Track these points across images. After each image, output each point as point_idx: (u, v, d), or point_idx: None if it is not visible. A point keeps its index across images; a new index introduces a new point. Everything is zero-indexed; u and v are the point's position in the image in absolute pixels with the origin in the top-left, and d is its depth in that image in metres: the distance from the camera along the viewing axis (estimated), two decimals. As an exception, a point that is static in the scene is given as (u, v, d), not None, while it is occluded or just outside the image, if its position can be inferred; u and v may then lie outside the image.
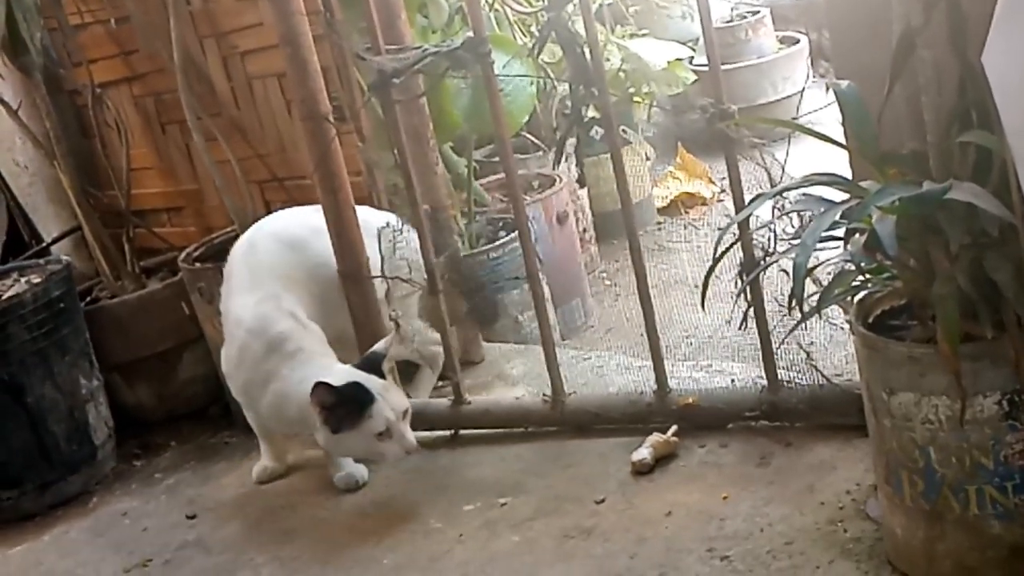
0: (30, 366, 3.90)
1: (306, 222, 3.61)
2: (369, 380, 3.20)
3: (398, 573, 2.99)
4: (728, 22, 6.27)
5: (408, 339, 3.57)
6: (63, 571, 3.50)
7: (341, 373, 3.25)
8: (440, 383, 3.72)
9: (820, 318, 2.63)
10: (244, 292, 3.47)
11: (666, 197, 5.40)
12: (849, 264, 2.40)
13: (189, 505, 3.69)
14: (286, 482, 3.64)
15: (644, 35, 5.37)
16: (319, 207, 3.57)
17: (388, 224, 3.48)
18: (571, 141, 3.92)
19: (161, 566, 3.36)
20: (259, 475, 3.64)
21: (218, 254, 4.22)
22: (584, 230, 4.87)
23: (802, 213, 2.66)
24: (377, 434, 3.15)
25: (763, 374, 3.16)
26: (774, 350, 3.11)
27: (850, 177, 2.50)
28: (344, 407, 3.14)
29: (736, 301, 2.91)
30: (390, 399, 3.19)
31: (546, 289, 3.64)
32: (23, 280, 4.12)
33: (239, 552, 3.31)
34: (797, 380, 3.12)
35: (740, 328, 2.98)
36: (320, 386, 3.11)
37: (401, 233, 3.44)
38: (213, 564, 3.30)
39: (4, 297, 3.97)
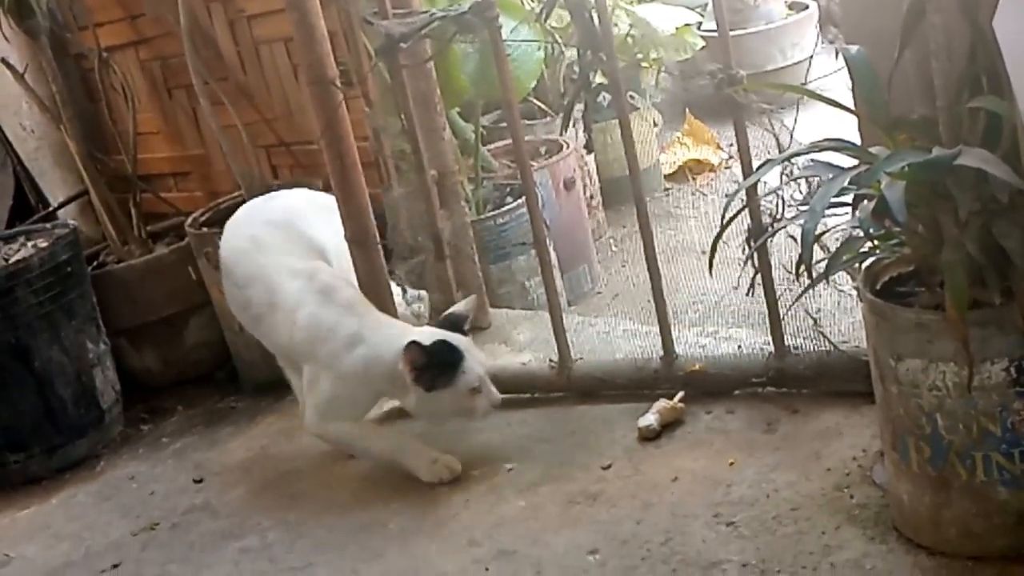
0: (37, 330, 3.91)
1: (286, 204, 3.63)
2: (455, 338, 3.17)
3: (404, 538, 2.99)
4: (737, -13, 6.23)
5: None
6: (71, 534, 3.51)
7: (427, 333, 3.20)
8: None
9: (828, 284, 2.62)
10: (287, 279, 3.37)
11: (674, 163, 5.38)
12: (857, 230, 2.40)
13: (196, 469, 3.70)
14: (292, 446, 3.64)
15: (652, 0, 5.35)
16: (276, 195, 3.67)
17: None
18: (579, 107, 3.89)
19: (168, 530, 3.37)
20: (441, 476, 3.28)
21: (225, 219, 4.21)
22: (591, 196, 4.85)
23: (810, 179, 2.65)
24: (470, 390, 3.13)
25: (770, 340, 3.15)
26: (781, 316, 3.10)
27: (859, 143, 2.49)
28: (436, 366, 3.10)
29: (743, 267, 2.91)
30: (476, 355, 3.18)
31: (553, 255, 3.64)
32: (30, 244, 4.13)
33: (246, 516, 3.32)
34: (804, 346, 3.12)
35: (747, 294, 2.97)
36: (412, 345, 3.07)
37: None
38: (220, 527, 3.31)
39: (11, 261, 3.98)
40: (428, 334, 3.17)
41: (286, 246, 3.43)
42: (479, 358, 3.19)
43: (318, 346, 3.25)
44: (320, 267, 3.40)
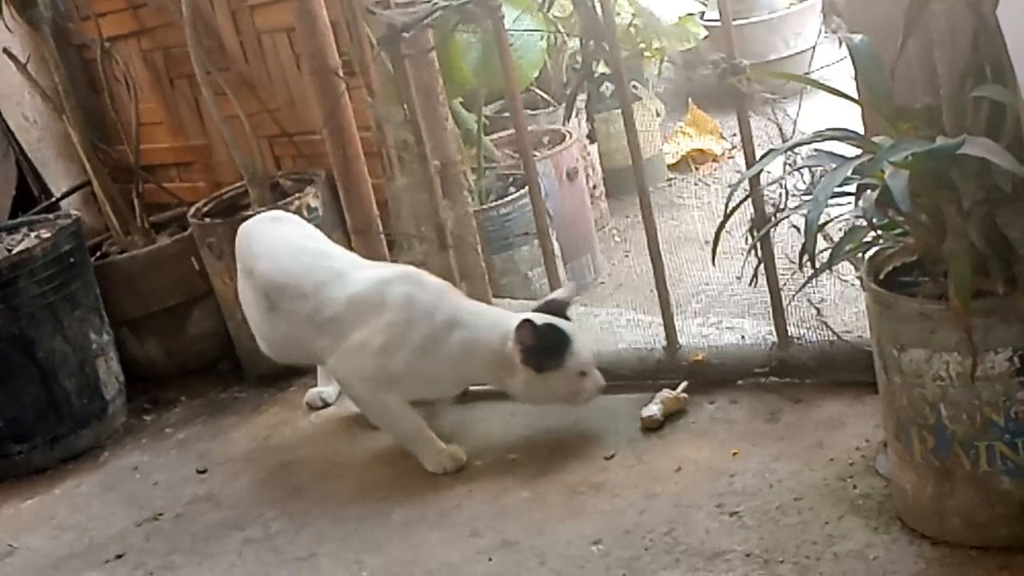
0: (40, 321, 3.91)
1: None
2: (561, 321, 3.16)
3: (408, 528, 3.00)
4: (740, -23, 6.22)
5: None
6: (74, 524, 3.51)
7: (534, 316, 3.15)
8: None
9: (831, 274, 2.62)
10: (354, 268, 3.35)
11: (677, 153, 5.37)
12: (861, 220, 2.40)
13: (199, 460, 3.70)
14: (296, 437, 3.65)
15: (655, -10, 5.33)
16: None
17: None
18: (581, 97, 3.89)
19: (172, 520, 3.38)
20: (446, 466, 3.25)
21: (227, 209, 4.22)
22: (594, 186, 4.84)
23: (814, 169, 2.65)
24: (579, 373, 3.12)
25: (773, 330, 3.16)
26: (784, 306, 3.10)
27: (862, 132, 2.49)
28: (546, 347, 3.08)
29: (747, 257, 2.91)
30: (583, 340, 3.17)
31: (556, 245, 3.64)
32: (33, 235, 4.13)
33: (249, 506, 3.33)
34: (807, 336, 3.12)
35: (751, 284, 2.97)
36: (525, 323, 3.05)
37: None
38: (223, 518, 3.31)
39: (14, 252, 3.98)
40: (535, 318, 3.12)
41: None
42: (586, 343, 3.18)
43: (410, 329, 3.18)
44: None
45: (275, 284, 3.39)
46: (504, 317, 3.18)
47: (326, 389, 3.73)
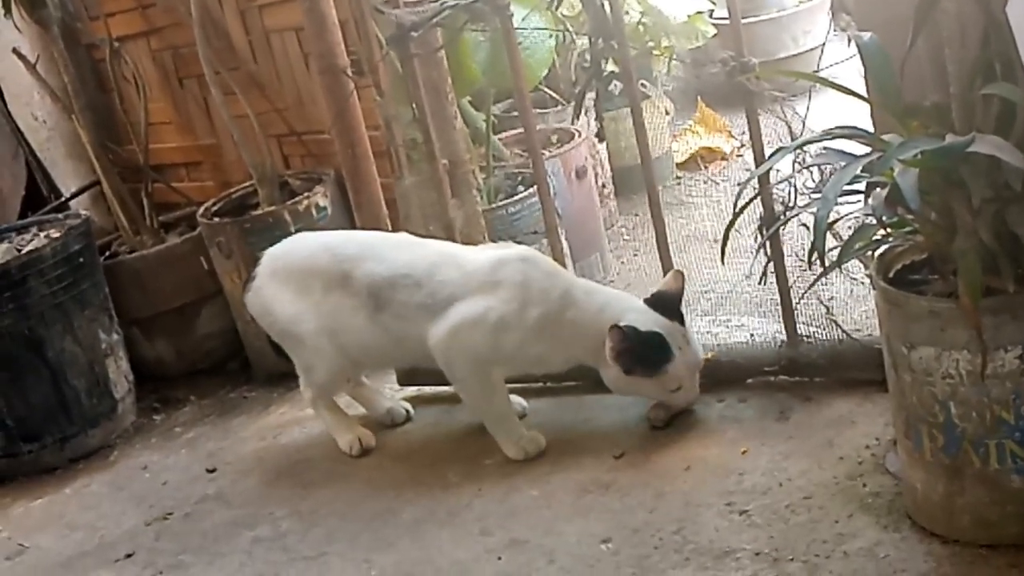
0: (50, 320, 3.91)
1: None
2: (672, 333, 3.08)
3: (417, 527, 3.00)
4: (748, -25, 6.21)
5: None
6: (84, 524, 3.52)
7: (643, 313, 3.11)
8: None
9: (840, 273, 2.62)
10: (466, 251, 3.31)
11: (685, 152, 5.36)
12: (870, 218, 2.39)
13: (209, 459, 3.70)
14: (305, 436, 3.65)
15: (663, -12, 5.33)
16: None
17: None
18: (590, 95, 3.88)
19: (181, 519, 3.38)
20: (528, 450, 3.23)
21: (236, 209, 4.23)
22: (603, 185, 4.84)
23: (823, 167, 2.65)
24: (670, 390, 3.11)
25: (783, 329, 3.15)
26: (794, 305, 3.10)
27: (872, 130, 2.48)
28: (641, 355, 3.05)
29: (756, 256, 2.91)
30: (688, 356, 3.09)
31: (565, 244, 3.63)
32: (42, 235, 4.14)
33: (259, 506, 3.33)
34: (817, 335, 3.12)
35: (760, 283, 2.97)
36: (615, 330, 3.01)
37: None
38: (233, 517, 3.31)
39: (24, 251, 3.99)
40: (644, 318, 3.08)
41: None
42: (690, 359, 3.11)
43: (528, 308, 3.13)
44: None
45: (385, 280, 3.27)
46: (616, 302, 3.14)
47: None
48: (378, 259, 3.31)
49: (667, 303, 3.13)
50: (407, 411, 3.59)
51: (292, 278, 3.41)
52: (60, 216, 4.38)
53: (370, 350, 3.37)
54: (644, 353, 3.04)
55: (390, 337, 3.29)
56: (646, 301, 3.15)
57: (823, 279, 2.54)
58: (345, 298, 3.32)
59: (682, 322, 3.11)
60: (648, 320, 3.07)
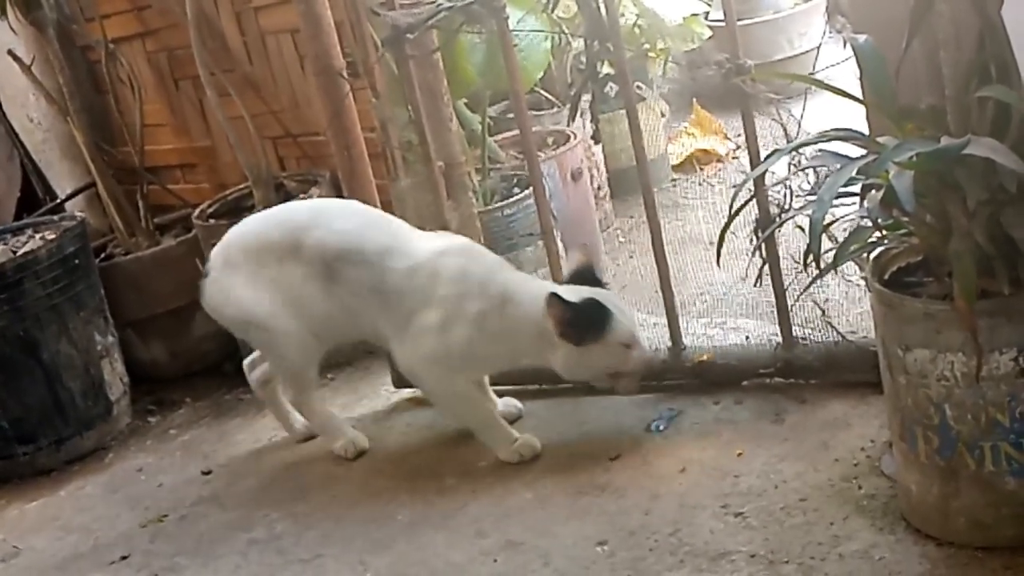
0: (45, 322, 3.91)
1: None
2: (604, 296, 3.10)
3: (412, 529, 3.00)
4: (744, -23, 6.21)
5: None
6: (79, 526, 3.51)
7: (570, 288, 3.10)
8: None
9: (836, 275, 2.62)
10: (411, 238, 3.27)
11: (681, 154, 5.36)
12: (865, 220, 2.39)
13: (204, 461, 3.70)
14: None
15: (659, -10, 5.33)
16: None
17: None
18: (586, 97, 3.89)
19: (176, 521, 3.38)
20: (523, 454, 3.21)
21: (232, 211, 4.22)
22: (598, 187, 4.84)
23: (818, 169, 2.65)
24: (622, 345, 3.06)
25: (778, 331, 3.16)
26: (789, 307, 3.10)
27: (867, 132, 2.48)
28: (584, 320, 3.02)
29: (751, 258, 2.91)
30: (624, 310, 3.11)
31: (560, 246, 3.63)
32: (38, 236, 4.14)
33: (254, 508, 3.32)
34: (812, 337, 3.12)
35: (755, 285, 2.98)
36: (552, 298, 3.00)
37: None
38: (228, 519, 3.31)
39: (19, 253, 3.99)
40: (574, 291, 3.07)
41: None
42: (628, 313, 3.12)
43: (464, 301, 3.13)
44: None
45: (336, 251, 3.24)
46: (545, 289, 3.12)
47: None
48: (327, 227, 3.28)
49: (586, 276, 3.16)
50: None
51: (246, 261, 3.37)
52: (55, 218, 4.38)
53: (327, 322, 3.32)
54: (587, 318, 3.02)
55: (345, 310, 3.27)
56: (567, 281, 3.17)
57: (818, 281, 2.54)
58: (299, 267, 3.29)
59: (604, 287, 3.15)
60: (578, 292, 3.07)
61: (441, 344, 3.15)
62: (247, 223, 3.49)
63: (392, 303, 3.20)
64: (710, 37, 4.90)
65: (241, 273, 3.36)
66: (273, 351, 3.43)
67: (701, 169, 5.31)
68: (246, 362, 3.65)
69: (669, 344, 3.30)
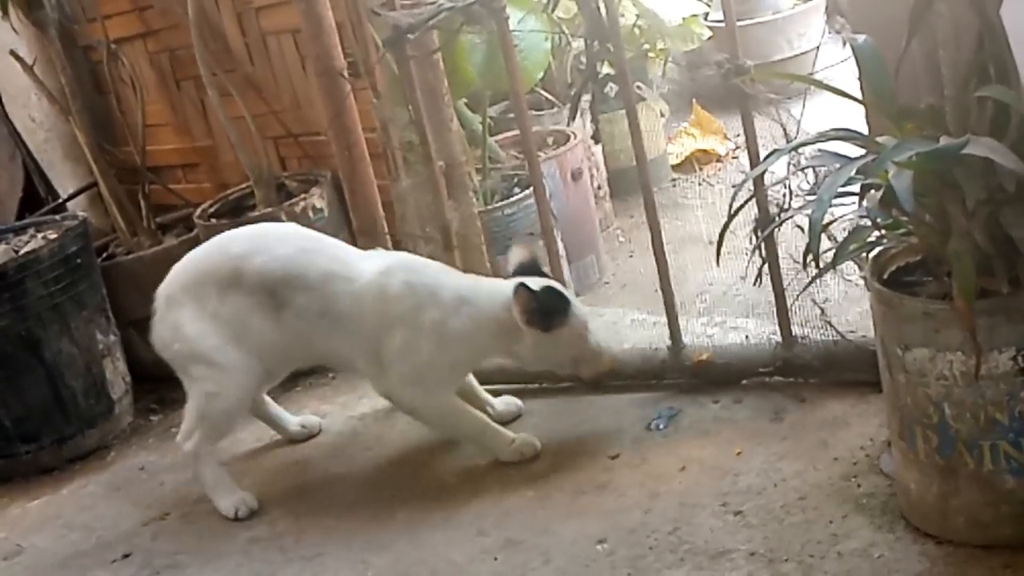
0: (47, 321, 3.92)
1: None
2: (550, 282, 3.16)
3: (413, 527, 3.00)
4: (744, -23, 6.21)
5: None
6: (82, 524, 3.52)
7: (526, 281, 3.11)
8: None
9: (835, 274, 2.63)
10: (354, 263, 3.24)
11: (681, 154, 5.37)
12: (865, 220, 2.40)
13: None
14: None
15: (659, -9, 5.33)
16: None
17: None
18: (586, 97, 3.90)
19: (178, 519, 3.38)
20: (524, 453, 3.21)
21: (233, 210, 4.23)
22: (598, 187, 4.85)
23: (818, 169, 2.65)
24: (585, 328, 3.11)
25: (777, 330, 3.16)
26: (789, 306, 3.11)
27: (866, 132, 2.49)
28: (548, 307, 3.05)
29: (751, 257, 2.91)
30: (573, 295, 3.17)
31: (560, 245, 3.64)
32: (40, 236, 4.14)
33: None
34: (811, 336, 3.12)
35: (755, 284, 2.97)
36: (520, 288, 3.02)
37: None
38: (229, 518, 3.32)
39: (21, 253, 3.99)
40: (531, 282, 3.09)
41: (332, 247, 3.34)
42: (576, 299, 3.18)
43: (420, 314, 3.12)
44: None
45: (279, 278, 3.20)
46: (500, 285, 3.15)
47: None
48: (268, 254, 3.24)
49: (531, 269, 3.21)
50: (319, 423, 3.66)
51: (187, 295, 3.32)
52: (57, 217, 4.38)
53: (279, 351, 3.29)
54: (552, 305, 3.06)
55: (297, 337, 3.24)
56: (513, 275, 3.20)
57: (818, 281, 2.55)
58: (242, 297, 3.24)
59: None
60: (535, 283, 3.09)
61: (410, 365, 3.15)
62: (187, 258, 3.42)
63: (347, 328, 3.18)
64: (710, 37, 4.91)
65: (185, 310, 3.30)
66: (210, 388, 3.30)
67: (701, 169, 5.32)
68: None
69: (669, 343, 3.30)
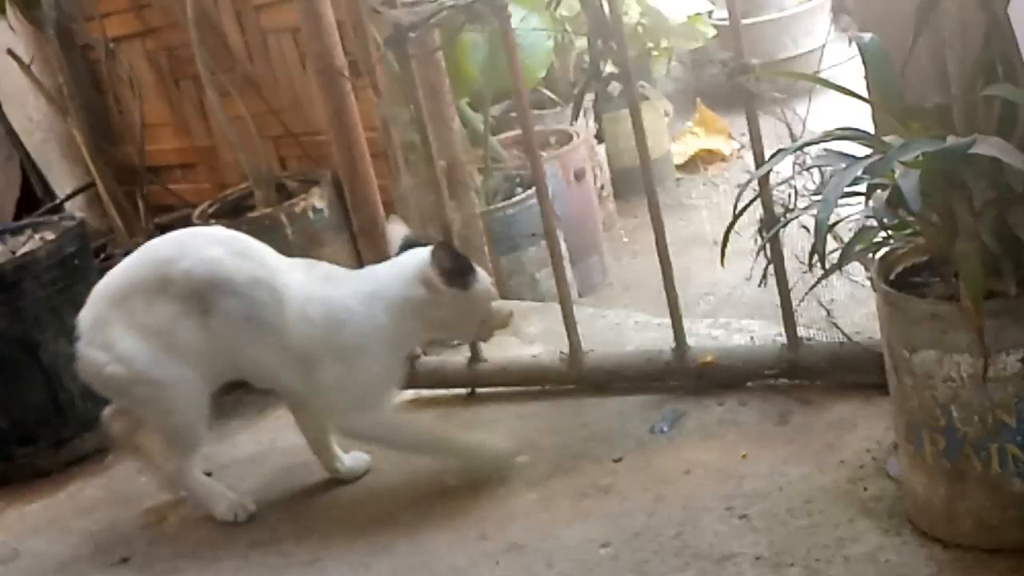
0: (44, 323, 3.89)
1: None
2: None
3: (414, 531, 2.98)
4: (748, -24, 6.20)
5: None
6: (79, 528, 3.50)
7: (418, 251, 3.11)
8: (456, 342, 3.68)
9: (841, 275, 2.60)
10: (278, 271, 3.12)
11: (685, 153, 5.37)
12: (871, 220, 2.39)
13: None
14: (302, 440, 3.61)
15: (663, -11, 5.33)
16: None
17: None
18: (589, 96, 3.87)
19: (177, 523, 3.37)
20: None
21: (232, 211, 4.22)
22: (602, 187, 4.84)
23: (823, 168, 2.63)
24: (490, 283, 3.11)
25: (783, 332, 3.14)
26: (794, 307, 3.09)
27: (872, 132, 2.47)
28: (460, 266, 3.02)
29: (756, 258, 2.90)
30: None
31: (563, 246, 3.62)
32: (37, 237, 4.11)
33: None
34: (817, 338, 3.11)
35: (760, 285, 2.96)
36: (441, 247, 3.00)
37: None
38: (229, 521, 3.30)
39: (18, 254, 3.97)
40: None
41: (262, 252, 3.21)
42: None
43: (341, 335, 3.05)
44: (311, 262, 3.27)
45: (205, 281, 3.08)
46: (396, 266, 3.09)
47: None
48: (195, 256, 3.11)
49: (416, 242, 3.15)
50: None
51: (113, 311, 3.19)
52: (55, 218, 4.35)
53: (206, 361, 3.15)
54: (463, 262, 3.04)
55: (226, 346, 3.12)
56: (400, 251, 3.14)
57: (824, 281, 2.53)
58: (170, 304, 3.11)
59: None
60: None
61: (350, 389, 3.07)
62: (109, 273, 3.29)
63: (271, 340, 3.08)
64: (714, 36, 4.91)
65: (113, 329, 3.17)
66: (159, 407, 3.21)
67: (705, 169, 5.32)
68: (105, 413, 3.40)
69: (673, 345, 3.28)
